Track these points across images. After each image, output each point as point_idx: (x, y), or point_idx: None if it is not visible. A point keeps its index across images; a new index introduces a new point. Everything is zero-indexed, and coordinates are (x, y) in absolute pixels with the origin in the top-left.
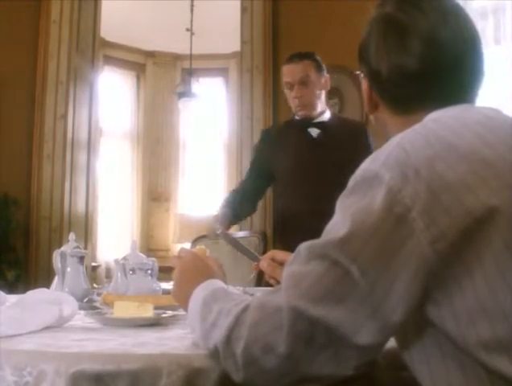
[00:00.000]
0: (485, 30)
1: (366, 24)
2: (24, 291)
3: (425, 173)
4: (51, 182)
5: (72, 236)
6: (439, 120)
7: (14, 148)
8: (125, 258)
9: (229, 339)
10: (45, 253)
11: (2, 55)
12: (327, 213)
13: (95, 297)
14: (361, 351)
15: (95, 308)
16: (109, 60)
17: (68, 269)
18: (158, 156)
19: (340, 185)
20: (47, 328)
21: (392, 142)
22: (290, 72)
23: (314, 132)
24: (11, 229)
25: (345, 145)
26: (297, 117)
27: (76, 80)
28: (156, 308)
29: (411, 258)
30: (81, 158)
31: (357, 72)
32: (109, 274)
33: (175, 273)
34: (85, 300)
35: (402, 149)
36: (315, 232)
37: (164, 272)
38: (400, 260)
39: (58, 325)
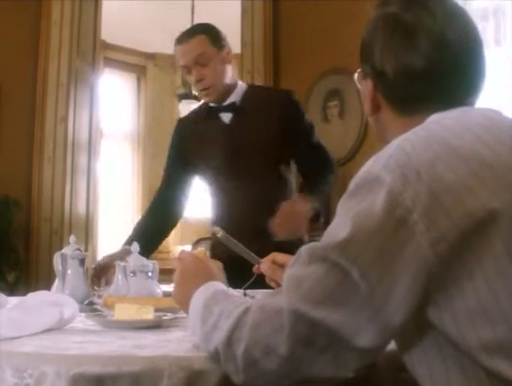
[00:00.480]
0: (485, 31)
1: (368, 24)
2: (25, 293)
3: (426, 175)
4: (52, 183)
5: (72, 238)
6: (440, 122)
7: (15, 150)
8: (125, 260)
9: (229, 341)
10: (46, 255)
11: (2, 57)
12: (256, 207)
13: (96, 300)
14: (362, 354)
15: (96, 310)
16: (110, 62)
17: (69, 272)
18: (159, 158)
19: (264, 172)
20: (47, 330)
21: (392, 145)
22: (182, 54)
23: (226, 117)
24: (12, 230)
25: (264, 125)
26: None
27: (77, 82)
28: (157, 310)
29: (412, 260)
30: (82, 159)
31: (356, 73)
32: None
33: (176, 275)
34: (86, 302)
35: (402, 151)
36: (248, 229)
37: (165, 274)
38: (401, 263)
39: (58, 327)
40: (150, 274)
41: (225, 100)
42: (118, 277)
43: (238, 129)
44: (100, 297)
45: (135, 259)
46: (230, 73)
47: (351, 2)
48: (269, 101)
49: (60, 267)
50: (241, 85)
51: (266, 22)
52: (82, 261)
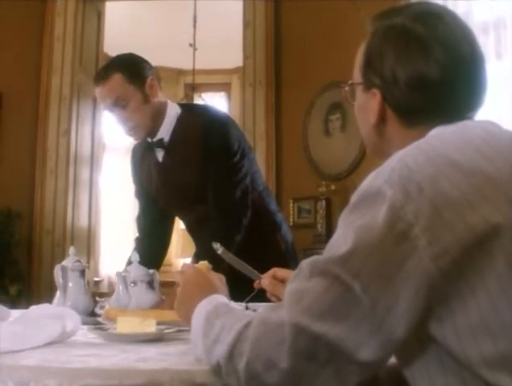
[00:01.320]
0: (486, 44)
1: (374, 35)
2: (27, 306)
3: (428, 189)
4: (54, 196)
5: (72, 250)
6: (441, 136)
7: (18, 162)
8: (126, 270)
9: (231, 355)
10: (48, 267)
11: (5, 70)
12: (202, 239)
13: (98, 311)
14: (363, 367)
15: (98, 323)
16: None
17: (70, 284)
18: None
19: (203, 202)
20: (49, 343)
21: (394, 158)
22: (100, 97)
23: (159, 153)
24: (14, 243)
25: (192, 159)
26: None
27: (80, 96)
28: (159, 323)
29: (414, 274)
30: (84, 172)
31: (347, 86)
32: (111, 289)
33: (179, 289)
34: (88, 313)
35: (405, 165)
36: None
37: (167, 286)
38: (402, 277)
39: (61, 340)
40: (150, 284)
41: (156, 133)
42: (119, 287)
43: (170, 167)
44: (102, 307)
45: (135, 269)
46: (158, 103)
47: (354, 16)
48: (196, 131)
49: (61, 279)
50: (173, 113)
51: (268, 35)
52: (82, 273)
